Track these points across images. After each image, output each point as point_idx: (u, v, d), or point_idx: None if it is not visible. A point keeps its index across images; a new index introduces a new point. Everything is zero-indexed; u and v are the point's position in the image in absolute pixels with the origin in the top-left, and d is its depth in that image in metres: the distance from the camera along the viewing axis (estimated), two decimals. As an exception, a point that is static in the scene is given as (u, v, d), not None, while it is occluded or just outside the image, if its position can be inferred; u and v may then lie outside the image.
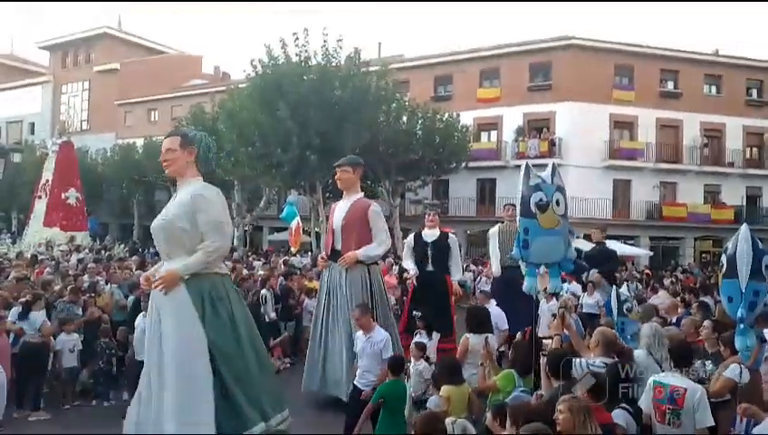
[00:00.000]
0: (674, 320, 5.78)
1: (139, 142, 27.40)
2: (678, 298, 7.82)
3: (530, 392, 3.65)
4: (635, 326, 4.47)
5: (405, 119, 19.94)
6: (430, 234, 6.28)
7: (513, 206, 5.52)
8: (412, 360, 4.56)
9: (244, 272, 9.76)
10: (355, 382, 4.53)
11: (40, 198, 18.38)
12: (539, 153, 21.08)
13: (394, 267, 11.79)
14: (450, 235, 6.53)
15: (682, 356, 3.41)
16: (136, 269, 9.25)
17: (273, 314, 7.96)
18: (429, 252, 6.16)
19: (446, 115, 20.64)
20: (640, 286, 12.28)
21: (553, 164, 4.20)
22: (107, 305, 7.06)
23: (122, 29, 36.56)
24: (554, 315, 4.40)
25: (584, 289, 7.52)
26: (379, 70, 18.75)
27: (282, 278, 9.07)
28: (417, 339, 5.07)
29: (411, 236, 6.54)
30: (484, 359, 4.20)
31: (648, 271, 16.75)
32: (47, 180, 18.35)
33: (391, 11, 79.73)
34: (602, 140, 21.94)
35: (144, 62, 34.86)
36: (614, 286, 5.03)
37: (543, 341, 4.44)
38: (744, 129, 23.52)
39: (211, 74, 36.23)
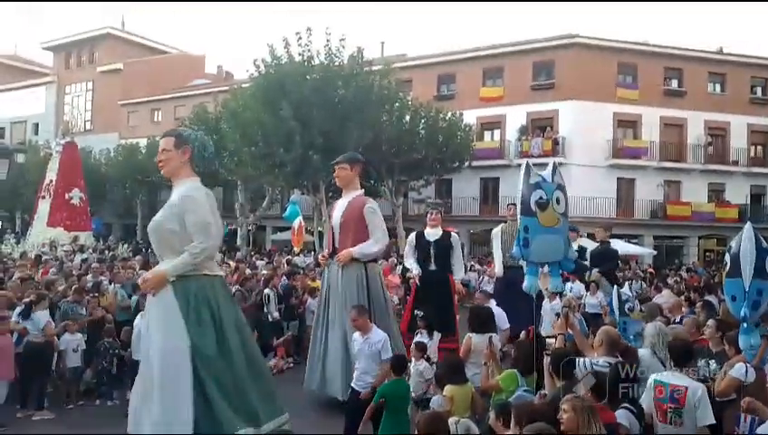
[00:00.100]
0: (678, 319, 5.75)
1: (143, 142, 27.48)
2: (683, 297, 7.78)
3: (533, 392, 3.65)
4: (637, 326, 4.46)
5: (408, 118, 19.93)
6: (433, 233, 6.27)
7: (516, 205, 5.51)
8: (413, 360, 4.55)
9: (248, 271, 9.78)
10: (353, 385, 4.49)
11: (44, 198, 18.46)
12: (542, 152, 21.05)
13: (397, 267, 11.79)
14: (453, 234, 6.52)
15: (682, 355, 3.40)
16: (139, 269, 9.27)
17: (276, 314, 7.97)
18: (432, 251, 6.14)
19: (449, 114, 20.63)
20: (644, 285, 12.24)
21: (554, 163, 4.19)
22: (110, 305, 7.09)
23: (125, 29, 36.70)
24: (558, 315, 4.39)
25: (587, 289, 7.50)
26: (381, 69, 18.75)
27: (285, 278, 9.09)
28: (417, 339, 5.06)
29: (413, 235, 6.50)
30: (488, 358, 4.19)
31: (651, 270, 16.70)
32: (51, 181, 18.43)
33: (394, 10, 79.74)
34: (606, 139, 21.88)
35: (147, 62, 34.96)
36: (615, 286, 5.02)
37: (547, 340, 4.43)
38: (749, 127, 23.42)
39: (214, 74, 36.31)
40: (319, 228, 19.78)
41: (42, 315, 5.69)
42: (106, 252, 14.98)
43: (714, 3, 56.33)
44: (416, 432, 2.91)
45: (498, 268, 7.01)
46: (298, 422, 4.76)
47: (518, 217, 4.11)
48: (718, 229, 22.04)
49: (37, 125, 37.04)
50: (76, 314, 6.26)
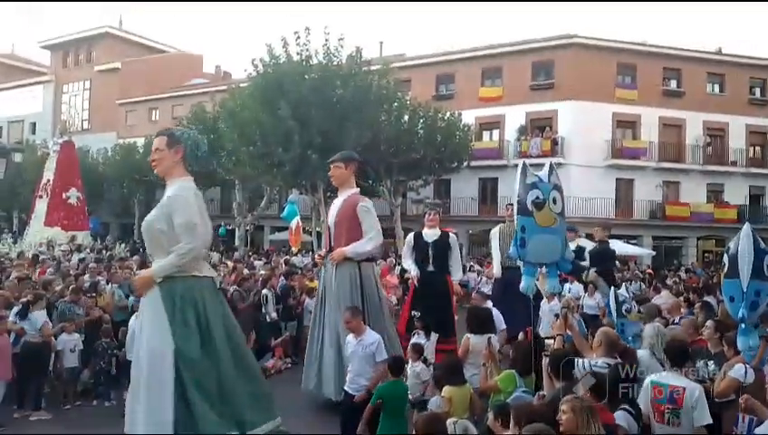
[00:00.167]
0: (677, 320, 5.75)
1: (140, 142, 27.42)
2: (682, 298, 7.79)
3: (531, 393, 3.64)
4: (635, 327, 4.45)
5: (406, 118, 19.92)
6: (431, 233, 6.24)
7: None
8: (409, 361, 4.52)
9: (246, 272, 9.76)
10: (346, 387, 4.44)
11: (41, 197, 18.42)
12: (541, 152, 21.06)
13: (396, 267, 11.77)
14: (451, 234, 6.50)
15: (678, 355, 3.39)
16: (137, 269, 9.24)
17: (274, 314, 7.96)
18: (430, 252, 6.12)
19: (448, 114, 20.62)
20: (644, 286, 12.25)
21: (551, 163, 4.18)
22: (108, 305, 7.06)
23: (123, 28, 36.60)
24: (557, 316, 4.38)
25: (586, 289, 7.50)
26: (380, 69, 18.73)
27: (283, 278, 9.07)
28: (414, 340, 5.04)
29: (411, 236, 6.47)
30: (487, 359, 4.18)
31: (650, 271, 16.71)
32: (48, 180, 18.38)
33: (392, 10, 79.77)
34: (605, 139, 21.90)
35: (145, 61, 34.89)
36: (612, 288, 5.01)
37: (546, 341, 4.42)
38: (747, 127, 23.45)
39: (212, 73, 36.26)
40: (317, 228, 19.76)
41: (39, 315, 5.68)
42: (103, 252, 14.95)
43: (712, 3, 56.45)
44: (413, 434, 2.91)
45: (496, 269, 6.99)
46: (295, 422, 4.75)
47: (515, 216, 4.11)
48: (717, 230, 22.07)
49: (35, 124, 36.95)
50: (73, 314, 6.25)
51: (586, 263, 7.41)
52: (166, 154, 3.49)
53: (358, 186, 5.88)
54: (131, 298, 6.92)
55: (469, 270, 14.08)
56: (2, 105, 37.72)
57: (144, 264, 9.28)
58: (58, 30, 69.77)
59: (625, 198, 22.37)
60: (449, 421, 3.17)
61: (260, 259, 14.79)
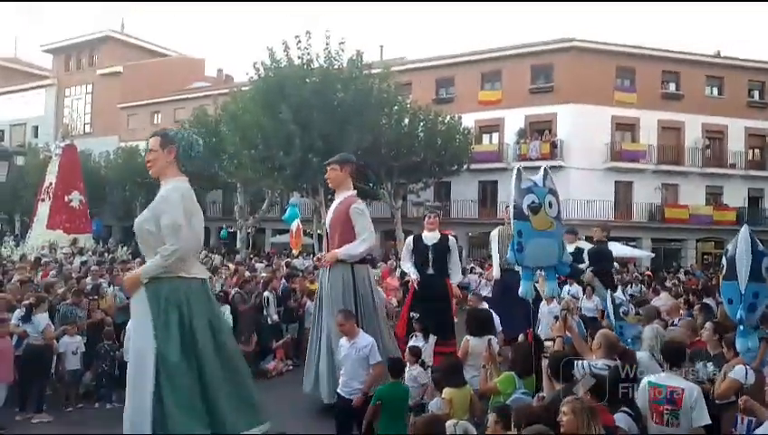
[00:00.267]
0: (676, 321, 5.76)
1: (142, 145, 27.33)
2: (682, 299, 7.80)
3: (530, 394, 3.66)
4: (634, 330, 4.48)
5: (407, 121, 19.97)
6: (431, 236, 6.26)
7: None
8: (407, 365, 4.51)
9: (247, 274, 9.78)
10: (339, 391, 4.43)
11: (43, 200, 18.47)
12: (540, 155, 21.12)
13: (397, 269, 11.78)
14: (450, 237, 6.52)
15: (673, 356, 3.39)
16: (138, 271, 9.26)
17: (275, 316, 7.98)
18: (430, 255, 6.12)
19: (448, 117, 20.67)
20: (644, 288, 12.26)
21: (545, 167, 4.20)
22: (110, 308, 7.08)
23: (125, 32, 36.75)
24: (556, 318, 4.40)
25: (584, 291, 7.51)
26: (381, 72, 18.80)
27: (284, 280, 9.09)
28: (412, 343, 5.03)
29: (410, 239, 6.47)
30: (487, 361, 4.20)
31: (649, 273, 16.72)
32: (50, 183, 18.44)
33: (393, 14, 80.00)
34: (604, 142, 21.95)
35: (147, 65, 35.00)
36: (609, 290, 5.03)
37: (545, 343, 4.44)
38: (746, 130, 23.49)
39: (214, 77, 36.33)
40: (318, 231, 19.79)
41: (41, 318, 5.70)
42: (105, 254, 14.97)
43: (710, 5, 56.57)
44: (412, 435, 2.92)
45: (496, 271, 7.01)
46: (295, 424, 4.77)
47: (512, 222, 4.13)
48: (716, 232, 22.08)
49: (37, 128, 37.02)
50: (75, 316, 6.26)
51: (584, 265, 7.42)
52: (159, 155, 3.49)
53: (357, 188, 5.88)
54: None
55: (470, 272, 14.10)
56: (4, 108, 37.80)
57: (145, 266, 9.32)
58: (60, 34, 70.04)
59: (624, 200, 22.40)
60: (449, 423, 3.19)
61: (261, 262, 14.80)
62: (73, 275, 8.89)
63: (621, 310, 4.42)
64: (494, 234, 7.17)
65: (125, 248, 17.95)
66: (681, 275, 15.89)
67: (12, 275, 8.62)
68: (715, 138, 23.49)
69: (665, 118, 22.57)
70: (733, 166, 23.24)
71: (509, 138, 22.97)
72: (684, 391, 3.17)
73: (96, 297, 7.02)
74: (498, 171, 22.43)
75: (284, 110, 16.33)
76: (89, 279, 8.15)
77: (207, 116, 23.07)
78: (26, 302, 5.91)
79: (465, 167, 21.67)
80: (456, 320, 6.23)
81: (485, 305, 5.97)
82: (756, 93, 24.18)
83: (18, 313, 5.74)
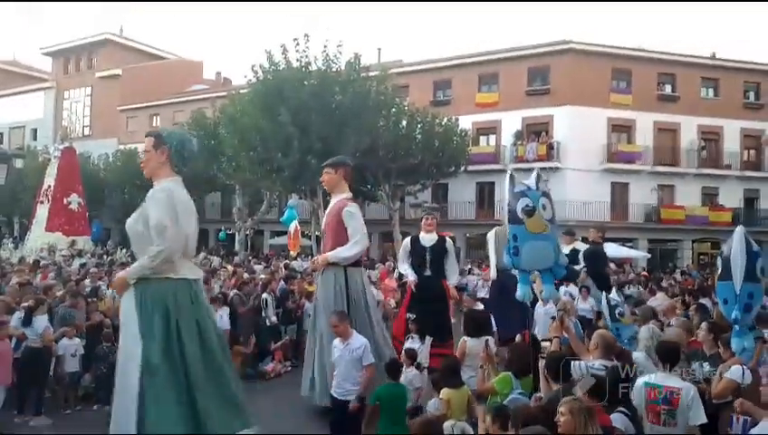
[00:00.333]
0: (672, 322, 5.80)
1: (141, 148, 27.22)
2: (678, 300, 7.83)
3: (527, 395, 3.68)
4: (630, 331, 4.50)
5: (404, 123, 20.02)
6: (428, 238, 6.27)
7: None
8: (403, 367, 4.51)
9: (246, 276, 9.80)
10: (332, 392, 4.42)
11: (42, 203, 18.45)
12: (537, 157, 21.19)
13: (394, 271, 11.81)
14: (447, 239, 6.54)
15: (668, 356, 3.41)
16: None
17: (274, 318, 7.99)
18: (427, 256, 6.15)
19: (446, 119, 20.73)
20: (641, 289, 12.28)
21: (537, 171, 4.23)
22: (109, 310, 7.08)
23: (124, 35, 36.73)
24: (553, 318, 4.42)
25: (580, 292, 7.54)
26: (378, 75, 18.84)
27: (282, 282, 9.11)
28: (408, 344, 5.05)
29: (408, 240, 6.48)
30: (484, 362, 4.22)
31: (645, 273, 16.77)
32: (49, 186, 18.43)
33: (391, 16, 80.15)
34: (600, 144, 22.03)
35: (146, 67, 34.99)
36: (603, 292, 5.05)
37: (542, 343, 4.46)
38: (742, 131, 23.60)
39: (212, 80, 36.35)
40: (316, 232, 19.81)
41: (40, 321, 5.69)
42: (104, 257, 14.97)
43: (706, 5, 56.83)
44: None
45: (493, 271, 7.04)
46: (293, 424, 4.79)
47: (506, 226, 4.15)
48: (712, 233, 22.16)
49: (36, 130, 36.96)
50: (73, 318, 6.26)
51: (580, 266, 7.45)
52: (152, 155, 3.49)
53: (353, 190, 5.89)
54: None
55: (468, 273, 14.13)
56: (3, 111, 37.73)
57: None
58: (59, 37, 69.96)
59: (620, 201, 22.48)
60: (447, 423, 3.20)
61: (260, 263, 14.80)
62: (72, 277, 8.89)
63: (617, 311, 4.44)
64: (491, 235, 7.21)
65: (124, 250, 17.91)
66: (677, 276, 15.92)
67: (11, 277, 8.61)
68: (711, 139, 23.60)
69: (661, 119, 22.67)
70: (728, 167, 23.33)
71: (506, 140, 23.03)
72: (681, 391, 3.19)
73: (95, 299, 7.03)
74: (495, 173, 22.46)
75: (283, 112, 16.35)
76: (88, 281, 8.16)
77: (206, 118, 23.08)
78: (25, 304, 5.90)
79: (462, 168, 21.73)
80: (453, 321, 6.25)
81: (480, 306, 5.99)
82: (752, 94, 24.29)
83: (17, 315, 5.74)
